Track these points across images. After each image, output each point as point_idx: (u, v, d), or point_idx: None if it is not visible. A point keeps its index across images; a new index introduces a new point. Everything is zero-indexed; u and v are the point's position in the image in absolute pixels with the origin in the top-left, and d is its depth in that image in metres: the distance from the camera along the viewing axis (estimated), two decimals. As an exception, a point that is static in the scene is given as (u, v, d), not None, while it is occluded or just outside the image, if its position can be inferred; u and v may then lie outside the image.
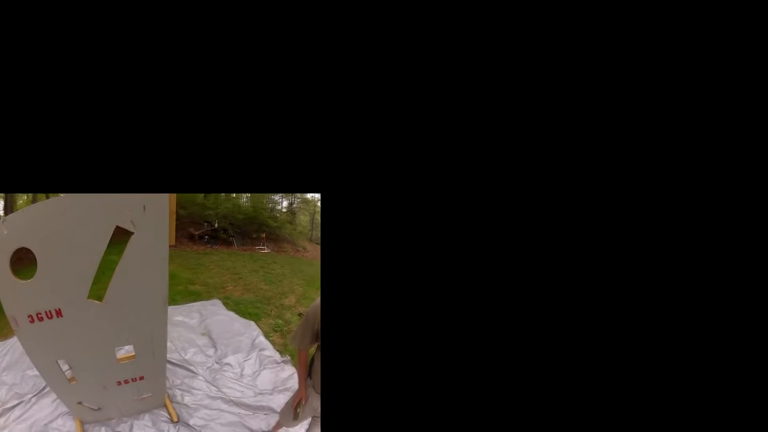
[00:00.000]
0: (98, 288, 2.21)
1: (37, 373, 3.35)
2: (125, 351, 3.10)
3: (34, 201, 12.41)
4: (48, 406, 3.17)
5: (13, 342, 4.18)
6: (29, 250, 1.96)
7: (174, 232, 2.16)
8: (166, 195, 1.98)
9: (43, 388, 3.33)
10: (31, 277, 2.02)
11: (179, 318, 5.15)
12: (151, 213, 1.98)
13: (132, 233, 2.02)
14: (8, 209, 10.49)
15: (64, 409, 3.10)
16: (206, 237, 12.44)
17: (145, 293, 2.28)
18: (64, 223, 1.93)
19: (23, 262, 2.12)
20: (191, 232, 12.36)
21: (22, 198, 12.84)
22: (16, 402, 3.23)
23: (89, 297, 2.17)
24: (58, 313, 2.16)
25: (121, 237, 2.07)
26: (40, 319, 2.15)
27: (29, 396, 3.28)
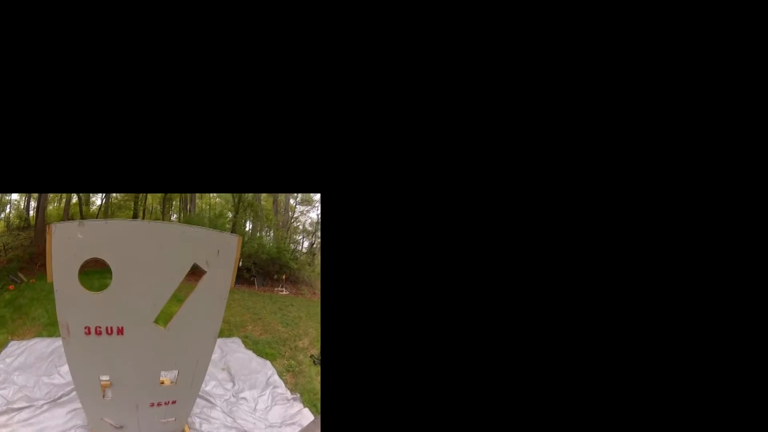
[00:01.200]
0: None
1: (53, 381, 3.65)
2: (171, 376, 3.30)
3: (66, 211, 12.87)
4: (61, 416, 3.28)
5: (29, 344, 4.46)
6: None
7: (235, 277, 2.44)
8: (237, 243, 2.28)
9: (59, 397, 3.48)
10: (90, 285, 2.11)
11: (202, 352, 5.58)
12: (222, 257, 2.28)
13: (205, 272, 2.30)
14: (39, 229, 10.96)
15: (79, 421, 3.25)
16: (230, 275, 12.94)
17: (202, 325, 2.54)
18: (147, 247, 2.09)
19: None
20: (216, 270, 12.88)
21: (52, 203, 13.37)
22: (24, 405, 3.35)
23: (155, 322, 2.38)
24: (120, 330, 2.31)
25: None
26: (98, 333, 2.24)
27: (41, 402, 3.41)
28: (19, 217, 12.90)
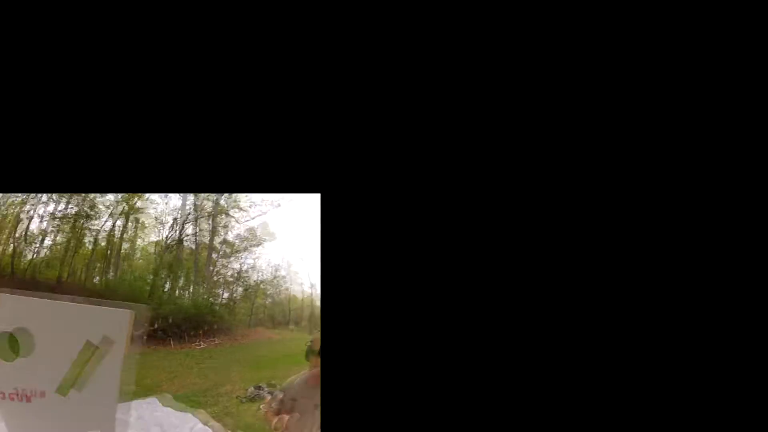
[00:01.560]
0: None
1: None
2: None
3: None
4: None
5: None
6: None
7: (128, 347, 2.64)
8: (128, 318, 2.51)
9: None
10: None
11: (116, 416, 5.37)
12: (115, 332, 2.46)
13: (97, 347, 2.53)
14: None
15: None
16: (144, 337, 12.10)
17: (101, 393, 2.64)
18: (43, 324, 2.18)
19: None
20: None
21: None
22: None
23: (56, 392, 2.59)
24: (28, 398, 2.51)
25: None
26: (11, 399, 2.41)
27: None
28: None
